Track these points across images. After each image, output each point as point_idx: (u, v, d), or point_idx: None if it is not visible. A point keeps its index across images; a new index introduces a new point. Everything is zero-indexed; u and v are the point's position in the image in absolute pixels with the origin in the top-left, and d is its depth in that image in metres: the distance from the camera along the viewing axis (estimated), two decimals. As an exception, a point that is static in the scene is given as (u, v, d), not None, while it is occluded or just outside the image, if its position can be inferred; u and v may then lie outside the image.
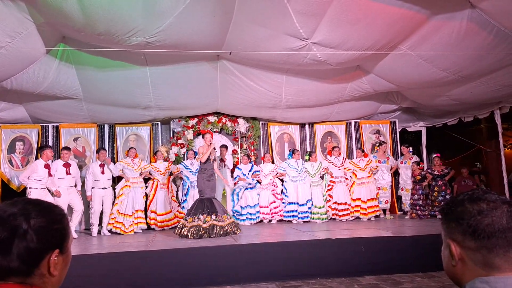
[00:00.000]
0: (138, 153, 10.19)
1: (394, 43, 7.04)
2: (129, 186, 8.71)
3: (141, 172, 9.02)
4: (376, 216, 9.60)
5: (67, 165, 8.21)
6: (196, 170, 9.19)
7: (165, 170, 9.24)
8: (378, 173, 10.04)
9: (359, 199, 9.51)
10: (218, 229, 7.32)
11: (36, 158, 8.65)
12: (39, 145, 9.32)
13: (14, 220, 1.05)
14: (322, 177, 9.82)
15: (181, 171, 9.37)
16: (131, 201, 8.67)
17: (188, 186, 9.27)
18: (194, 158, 9.53)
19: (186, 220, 7.50)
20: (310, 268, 5.87)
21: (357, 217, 9.50)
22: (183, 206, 9.20)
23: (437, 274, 5.72)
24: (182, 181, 9.52)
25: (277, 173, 9.81)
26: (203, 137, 8.04)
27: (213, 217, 7.40)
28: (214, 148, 7.90)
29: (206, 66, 8.24)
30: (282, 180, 9.91)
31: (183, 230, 7.37)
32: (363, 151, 9.99)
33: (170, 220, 9.10)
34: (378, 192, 9.84)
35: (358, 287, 5.30)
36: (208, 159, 7.76)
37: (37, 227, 1.06)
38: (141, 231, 8.78)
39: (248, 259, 5.94)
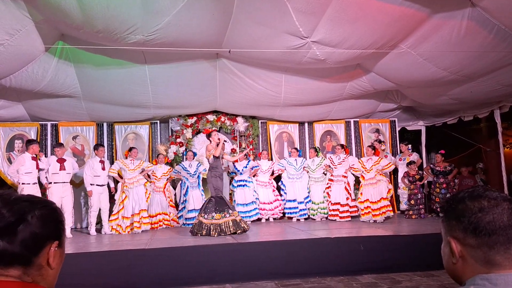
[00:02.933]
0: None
1: (394, 41, 7.03)
2: (126, 186, 8.50)
3: (142, 170, 8.80)
4: (387, 217, 8.98)
5: (61, 161, 8.13)
6: (194, 172, 9.24)
7: (162, 175, 9.18)
8: None
9: (367, 200, 8.92)
10: (235, 225, 7.33)
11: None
12: (37, 140, 9.29)
13: (21, 207, 1.07)
14: (325, 174, 9.82)
15: (180, 173, 9.33)
16: (132, 202, 8.44)
17: (188, 186, 9.23)
18: (193, 159, 9.52)
19: (202, 219, 7.42)
20: (309, 266, 5.86)
21: (364, 220, 8.96)
22: (184, 207, 9.18)
23: (436, 273, 5.71)
24: (181, 181, 9.48)
25: (274, 171, 9.85)
26: (209, 136, 7.88)
27: (226, 214, 7.40)
28: (225, 141, 7.94)
29: (205, 65, 8.23)
30: (276, 180, 9.99)
31: (201, 228, 7.31)
32: (374, 148, 9.54)
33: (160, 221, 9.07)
34: (390, 189, 9.32)
35: (357, 285, 5.29)
36: (218, 156, 7.75)
37: (41, 214, 1.09)
38: (140, 231, 8.36)
39: (247, 257, 5.93)
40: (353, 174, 9.63)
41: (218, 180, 7.69)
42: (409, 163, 9.66)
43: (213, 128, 9.82)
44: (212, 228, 7.24)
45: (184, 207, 9.19)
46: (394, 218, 9.56)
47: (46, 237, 1.09)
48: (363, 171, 9.18)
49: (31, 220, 1.06)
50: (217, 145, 7.66)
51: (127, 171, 8.59)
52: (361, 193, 9.08)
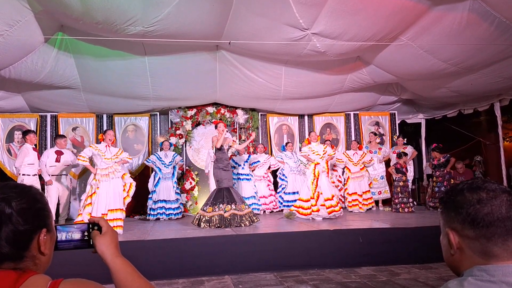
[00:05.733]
0: (137, 144, 10.17)
1: (395, 34, 7.00)
2: (96, 179, 6.99)
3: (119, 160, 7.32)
4: (369, 209, 9.69)
5: (59, 153, 8.12)
6: (170, 162, 9.28)
7: (323, 154, 8.47)
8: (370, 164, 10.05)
9: (355, 193, 9.56)
10: (238, 218, 7.33)
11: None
12: (37, 135, 9.31)
13: None
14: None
15: (154, 163, 9.24)
16: (103, 199, 6.91)
17: (159, 178, 9.21)
18: (170, 149, 9.59)
19: (204, 210, 7.46)
20: (308, 258, 5.89)
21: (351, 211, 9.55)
22: (150, 197, 9.14)
23: (434, 266, 5.74)
24: (154, 172, 9.42)
25: (271, 165, 9.90)
26: (216, 127, 7.98)
27: (233, 206, 7.41)
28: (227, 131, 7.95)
29: (205, 57, 8.20)
30: (273, 174, 10.09)
31: (202, 219, 7.33)
32: (358, 142, 10.13)
33: (334, 206, 8.22)
34: (371, 182, 9.94)
35: (355, 277, 5.31)
36: (222, 147, 7.76)
37: (20, 209, 1.05)
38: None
39: (246, 249, 5.95)
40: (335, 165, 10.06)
41: (222, 171, 7.69)
42: (399, 155, 9.63)
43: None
44: (203, 220, 7.27)
45: (151, 198, 9.15)
46: (391, 211, 9.58)
47: (32, 230, 1.07)
48: (347, 163, 9.76)
49: (11, 219, 1.03)
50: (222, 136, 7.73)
51: (102, 160, 7.08)
52: (346, 188, 9.70)
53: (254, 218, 7.51)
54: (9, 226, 1.03)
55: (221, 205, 7.40)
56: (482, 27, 6.62)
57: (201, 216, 7.42)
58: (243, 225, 7.28)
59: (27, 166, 7.64)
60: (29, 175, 7.63)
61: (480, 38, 6.85)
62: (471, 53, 7.37)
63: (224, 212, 7.32)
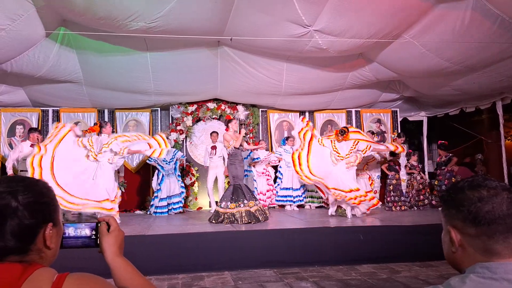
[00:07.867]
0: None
1: (398, 31, 6.99)
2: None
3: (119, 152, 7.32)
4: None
5: None
6: (171, 159, 9.23)
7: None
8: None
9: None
10: (249, 216, 7.20)
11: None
12: (39, 129, 9.32)
13: (2, 200, 1.03)
14: None
15: (156, 161, 9.11)
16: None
17: (163, 175, 9.16)
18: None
19: (226, 207, 7.26)
20: (308, 255, 5.89)
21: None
22: (156, 196, 9.07)
23: (435, 264, 5.74)
24: (156, 170, 9.36)
25: (270, 161, 9.88)
26: (229, 121, 7.80)
27: (243, 204, 7.30)
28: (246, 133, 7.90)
29: (207, 52, 8.20)
30: (274, 168, 10.06)
31: (225, 216, 7.17)
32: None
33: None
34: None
35: (356, 275, 5.32)
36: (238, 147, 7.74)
37: (26, 203, 1.05)
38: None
39: (246, 245, 5.95)
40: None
41: (237, 167, 7.61)
42: (392, 154, 9.52)
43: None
44: (225, 217, 7.16)
45: (156, 196, 9.07)
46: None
47: (38, 224, 1.07)
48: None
49: (17, 212, 1.03)
50: (239, 133, 7.75)
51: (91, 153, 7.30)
52: None
53: (260, 216, 7.40)
54: (14, 220, 1.02)
55: (245, 201, 7.28)
56: (485, 25, 6.61)
57: (222, 213, 7.23)
58: (245, 222, 7.18)
59: (23, 162, 7.63)
60: (24, 170, 7.60)
61: (483, 37, 6.84)
62: (474, 52, 7.36)
63: (251, 208, 7.23)
